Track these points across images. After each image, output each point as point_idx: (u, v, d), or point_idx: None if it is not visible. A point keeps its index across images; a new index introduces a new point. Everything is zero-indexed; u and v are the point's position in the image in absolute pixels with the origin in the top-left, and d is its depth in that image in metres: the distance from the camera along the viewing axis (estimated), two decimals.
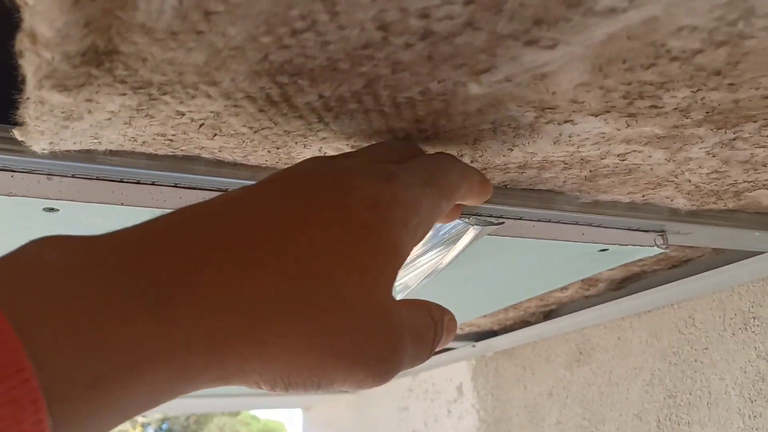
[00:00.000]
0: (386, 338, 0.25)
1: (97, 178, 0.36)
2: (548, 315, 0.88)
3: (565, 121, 0.33)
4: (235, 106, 0.30)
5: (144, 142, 0.34)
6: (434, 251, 0.46)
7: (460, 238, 0.44)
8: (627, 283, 0.74)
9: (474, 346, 1.02)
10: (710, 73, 0.27)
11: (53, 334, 0.17)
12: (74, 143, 0.33)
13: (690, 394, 0.68)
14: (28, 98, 0.26)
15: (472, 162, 0.38)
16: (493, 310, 0.83)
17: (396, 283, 0.33)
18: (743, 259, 0.58)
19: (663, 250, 0.51)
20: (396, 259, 0.26)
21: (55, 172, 0.35)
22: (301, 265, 0.23)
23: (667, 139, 0.35)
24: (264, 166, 0.39)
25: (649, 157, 0.38)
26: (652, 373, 0.73)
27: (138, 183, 0.37)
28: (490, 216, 0.44)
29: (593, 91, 0.29)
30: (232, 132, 0.33)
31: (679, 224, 0.49)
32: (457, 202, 0.32)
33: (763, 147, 0.36)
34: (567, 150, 0.36)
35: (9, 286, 0.18)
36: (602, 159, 0.38)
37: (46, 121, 0.28)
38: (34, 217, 0.38)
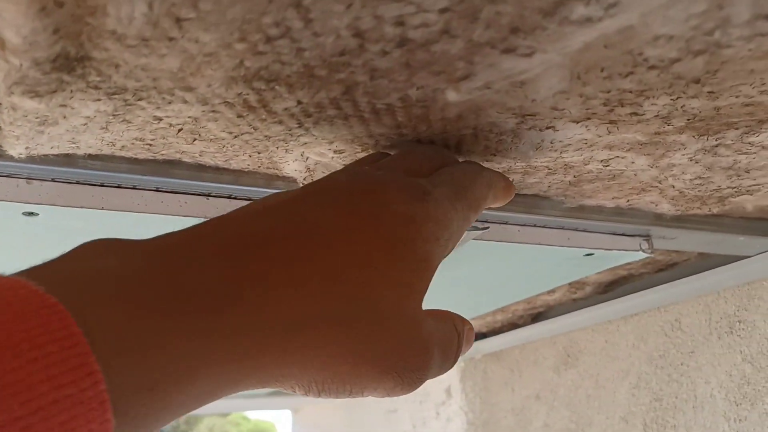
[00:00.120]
0: (417, 349, 0.26)
1: (78, 182, 0.36)
2: (536, 318, 0.88)
3: (547, 128, 0.32)
4: (213, 111, 0.30)
5: (123, 146, 0.34)
6: None
7: None
8: (614, 286, 0.74)
9: None
10: (689, 81, 0.27)
11: (117, 340, 0.18)
12: (51, 147, 0.32)
13: (676, 397, 0.68)
14: (0, 104, 0.26)
15: None
16: (481, 312, 0.83)
17: None
18: (729, 264, 0.58)
19: (648, 255, 0.51)
20: (428, 273, 0.28)
21: (34, 176, 0.35)
22: (341, 279, 0.25)
23: (649, 146, 0.35)
24: (246, 170, 0.38)
25: (632, 163, 0.38)
26: (639, 376, 0.73)
27: (119, 187, 0.37)
28: (476, 221, 0.44)
29: (573, 99, 0.29)
30: (212, 137, 0.33)
31: (664, 229, 0.49)
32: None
33: (746, 154, 0.36)
34: (550, 156, 0.36)
35: (75, 291, 0.19)
36: (586, 165, 0.38)
37: (20, 126, 0.28)
38: (14, 220, 0.38)
